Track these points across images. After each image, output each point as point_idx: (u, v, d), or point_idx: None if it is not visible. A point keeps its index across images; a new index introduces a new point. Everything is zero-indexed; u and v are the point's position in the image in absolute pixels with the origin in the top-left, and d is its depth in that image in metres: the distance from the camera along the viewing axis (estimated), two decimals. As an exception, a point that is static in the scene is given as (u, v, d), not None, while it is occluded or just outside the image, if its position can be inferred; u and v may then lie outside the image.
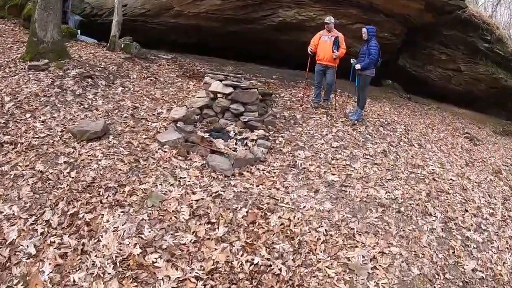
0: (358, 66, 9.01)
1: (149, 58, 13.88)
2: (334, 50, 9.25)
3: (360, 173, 6.65)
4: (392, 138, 9.22)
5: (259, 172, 6.12)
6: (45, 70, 8.78)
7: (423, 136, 10.42)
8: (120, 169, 5.56)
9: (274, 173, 6.17)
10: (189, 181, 5.50)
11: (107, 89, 8.92)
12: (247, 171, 6.06)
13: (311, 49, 9.63)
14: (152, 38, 17.50)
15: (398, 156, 8.05)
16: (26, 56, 9.27)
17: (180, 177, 5.56)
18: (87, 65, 9.79)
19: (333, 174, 6.42)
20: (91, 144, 6.23)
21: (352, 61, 9.29)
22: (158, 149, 6.20)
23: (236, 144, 6.86)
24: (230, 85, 7.91)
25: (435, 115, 14.21)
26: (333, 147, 7.58)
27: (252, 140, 7.14)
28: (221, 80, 8.16)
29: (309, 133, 8.09)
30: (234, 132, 7.42)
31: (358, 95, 9.68)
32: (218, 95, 7.95)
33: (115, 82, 9.53)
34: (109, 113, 7.56)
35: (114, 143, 6.31)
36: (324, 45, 9.50)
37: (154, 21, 16.77)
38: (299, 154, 6.95)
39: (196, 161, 6.00)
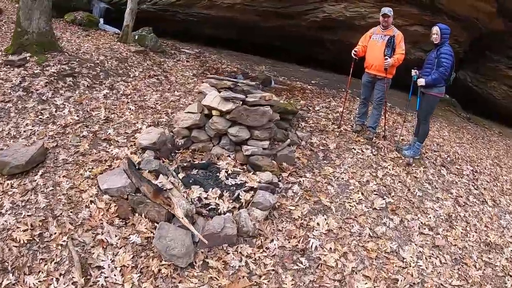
0: (421, 82, 6.03)
1: (168, 52, 11.98)
2: (387, 56, 6.38)
3: (412, 273, 3.88)
4: (458, 189, 6.21)
5: (239, 262, 3.62)
6: (20, 66, 7.14)
7: (494, 181, 7.18)
8: (14, 240, 3.49)
9: (265, 266, 3.66)
10: (108, 279, 3.25)
11: (87, 92, 7.04)
12: (218, 259, 3.61)
13: (355, 51, 6.74)
14: (183, 31, 15.76)
15: (468, 227, 5.12)
16: (10, 49, 7.74)
17: (98, 267, 3.35)
18: (77, 60, 8.03)
19: (366, 277, 3.75)
20: (8, 183, 4.28)
21: (413, 72, 6.32)
22: (91, 201, 4.01)
23: (221, 196, 4.46)
24: (231, 99, 5.51)
25: (498, 142, 10.72)
26: (375, 209, 4.85)
27: (250, 189, 4.69)
28: (220, 90, 5.80)
29: (341, 178, 5.40)
30: (227, 172, 5.02)
31: (418, 122, 6.67)
32: (213, 112, 5.61)
33: (104, 82, 7.65)
34: (66, 130, 5.66)
35: (38, 184, 4.26)
36: (374, 47, 6.57)
37: (186, 12, 14.92)
38: (317, 224, 4.29)
39: (138, 231, 3.74)
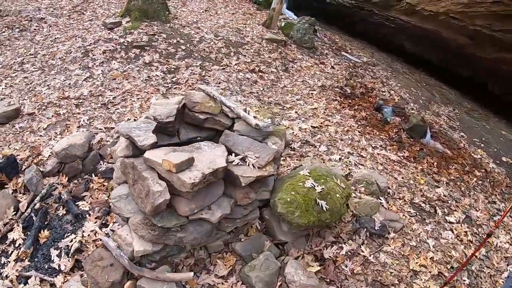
0: None
1: (319, 50, 9.25)
2: None
3: None
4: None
5: None
6: (110, 29, 6.92)
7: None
8: None
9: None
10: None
11: (137, 68, 5.94)
12: None
13: None
14: (373, 35, 12.39)
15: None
16: (122, 12, 7.73)
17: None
18: (171, 33, 7.05)
19: None
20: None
21: None
22: None
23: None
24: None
25: None
26: None
27: None
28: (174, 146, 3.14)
29: None
30: None
31: None
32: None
33: (171, 63, 6.31)
34: (61, 101, 4.87)
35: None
36: None
37: (382, 14, 11.43)
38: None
39: None
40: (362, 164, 4.53)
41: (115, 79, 5.69)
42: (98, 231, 3.34)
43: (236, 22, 9.31)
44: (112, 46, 6.38)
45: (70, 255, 3.29)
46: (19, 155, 4.30)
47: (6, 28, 6.92)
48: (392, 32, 11.43)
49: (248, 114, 3.18)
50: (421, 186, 4.55)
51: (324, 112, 6.30)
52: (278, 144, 3.07)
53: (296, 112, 6.08)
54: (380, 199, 3.93)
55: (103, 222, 3.48)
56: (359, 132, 5.62)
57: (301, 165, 3.86)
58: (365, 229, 3.45)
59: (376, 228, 3.45)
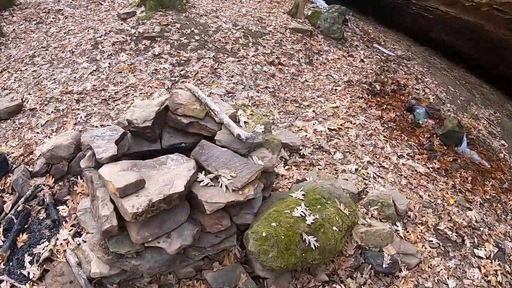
0: None
1: (348, 41, 8.40)
2: None
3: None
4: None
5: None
6: (124, 19, 6.67)
7: None
8: None
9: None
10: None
11: (142, 59, 5.61)
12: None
13: None
14: (411, 27, 11.24)
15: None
16: (138, 2, 7.42)
17: None
18: (185, 23, 6.62)
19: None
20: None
21: None
22: None
23: None
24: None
25: None
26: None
27: None
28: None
29: None
30: None
31: None
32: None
33: (182, 54, 5.92)
34: (63, 96, 4.70)
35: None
36: None
37: (420, 4, 10.24)
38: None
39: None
40: (382, 177, 3.83)
41: (121, 72, 5.42)
42: (70, 240, 3.06)
43: (259, 10, 8.71)
44: (123, 37, 6.11)
45: (39, 263, 3.06)
46: (13, 152, 4.15)
47: (24, 21, 6.92)
48: (430, 24, 10.25)
49: (238, 119, 2.68)
50: (450, 208, 3.76)
51: (347, 112, 5.60)
52: (267, 158, 2.53)
53: (313, 111, 5.45)
54: (396, 226, 3.25)
55: (78, 230, 3.19)
56: (384, 136, 4.87)
57: (305, 179, 3.28)
58: (370, 266, 2.82)
59: (384, 265, 2.81)
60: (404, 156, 4.45)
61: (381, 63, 7.75)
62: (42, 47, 6.08)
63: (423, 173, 4.20)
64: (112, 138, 2.50)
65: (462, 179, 4.36)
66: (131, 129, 2.90)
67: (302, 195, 2.70)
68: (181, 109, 2.87)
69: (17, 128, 4.54)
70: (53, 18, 7.02)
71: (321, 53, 7.78)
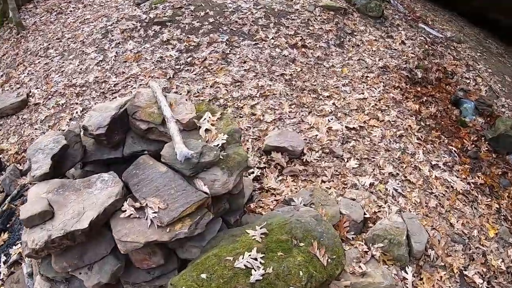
0: None
1: (389, 20, 7.23)
2: None
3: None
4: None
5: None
6: (137, 5, 6.35)
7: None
8: None
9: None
10: None
11: (156, 50, 5.26)
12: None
13: None
14: (471, 10, 9.52)
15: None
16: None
17: None
18: (200, 5, 6.11)
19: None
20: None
21: None
22: None
23: None
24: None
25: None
26: None
27: None
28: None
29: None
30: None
31: None
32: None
33: (192, 40, 5.46)
34: (65, 90, 4.52)
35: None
36: None
37: None
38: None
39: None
40: (404, 196, 3.02)
41: (126, 61, 5.14)
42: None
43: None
44: (133, 24, 5.82)
45: (7, 265, 2.99)
46: (10, 150, 4.11)
47: (46, 12, 6.96)
48: (485, 3, 8.49)
49: (199, 126, 2.16)
50: (488, 244, 2.83)
51: (376, 105, 4.74)
52: (219, 183, 1.98)
53: (333, 103, 4.69)
54: (405, 272, 2.44)
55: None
56: (418, 138, 3.96)
57: (292, 198, 2.64)
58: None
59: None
60: (439, 167, 3.51)
61: (426, 46, 6.55)
62: (56, 38, 6.04)
63: (460, 191, 3.28)
64: (51, 152, 2.17)
65: (511, 201, 3.36)
66: (88, 136, 2.54)
67: (263, 233, 1.99)
68: (139, 113, 2.44)
69: (19, 124, 4.51)
70: (73, 8, 6.97)
71: (355, 33, 6.81)
